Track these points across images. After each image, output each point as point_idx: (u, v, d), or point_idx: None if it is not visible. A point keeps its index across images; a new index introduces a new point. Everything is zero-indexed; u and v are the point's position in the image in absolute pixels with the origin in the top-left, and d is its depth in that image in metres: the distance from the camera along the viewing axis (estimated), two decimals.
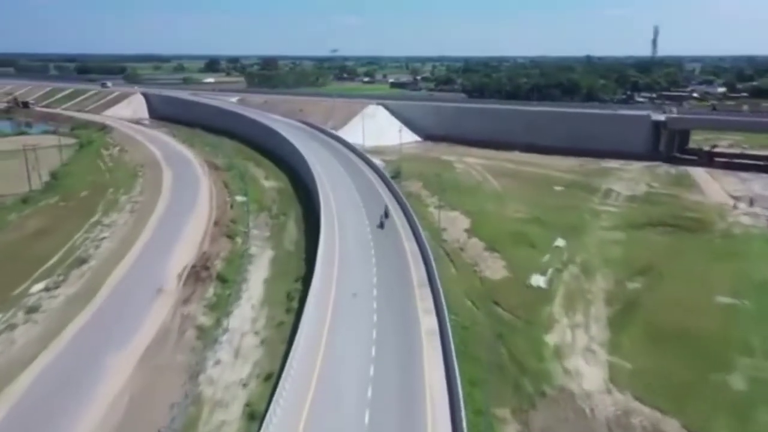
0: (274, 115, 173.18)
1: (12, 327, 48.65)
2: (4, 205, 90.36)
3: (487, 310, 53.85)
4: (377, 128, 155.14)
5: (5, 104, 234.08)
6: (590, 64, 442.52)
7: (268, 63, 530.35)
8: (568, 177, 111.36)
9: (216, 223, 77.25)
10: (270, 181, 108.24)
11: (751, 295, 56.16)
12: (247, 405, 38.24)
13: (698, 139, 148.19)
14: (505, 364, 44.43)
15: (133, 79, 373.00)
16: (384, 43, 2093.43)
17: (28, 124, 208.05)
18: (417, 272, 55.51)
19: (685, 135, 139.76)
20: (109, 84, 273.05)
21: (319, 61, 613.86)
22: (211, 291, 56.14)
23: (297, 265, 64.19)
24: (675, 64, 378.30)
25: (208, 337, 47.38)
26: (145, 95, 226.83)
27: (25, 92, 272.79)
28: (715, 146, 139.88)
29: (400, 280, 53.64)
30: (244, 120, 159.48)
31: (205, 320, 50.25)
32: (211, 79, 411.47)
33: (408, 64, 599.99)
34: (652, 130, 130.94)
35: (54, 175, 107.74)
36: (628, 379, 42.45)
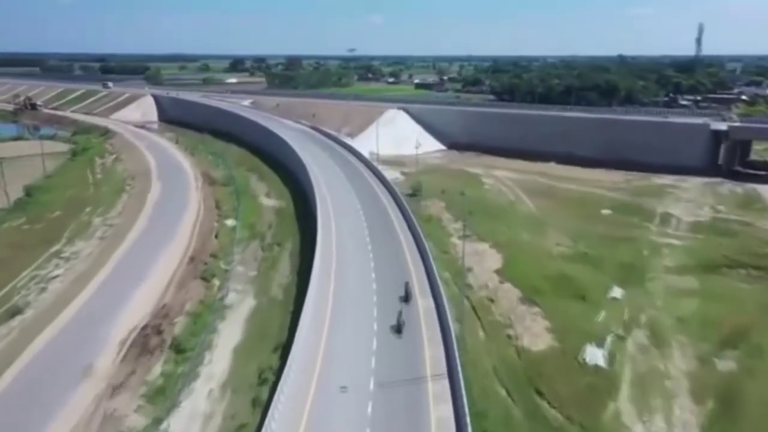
0: (286, 120, 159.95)
1: None
2: None
3: (526, 406, 39.18)
4: (397, 135, 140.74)
5: (13, 106, 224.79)
6: (624, 64, 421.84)
7: (292, 63, 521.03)
8: (614, 196, 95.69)
9: (191, 260, 63.68)
10: (271, 199, 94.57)
11: None
12: None
13: (758, 149, 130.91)
14: None
15: (153, 79, 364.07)
16: (410, 43, 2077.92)
17: (36, 128, 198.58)
18: (432, 351, 41.03)
19: (746, 146, 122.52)
20: (110, 84, 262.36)
21: (345, 60, 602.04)
22: (158, 369, 42.41)
23: (280, 322, 50.27)
24: (716, 63, 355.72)
25: None
26: (155, 97, 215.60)
27: (38, 93, 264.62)
28: None
29: (408, 367, 39.20)
30: (251, 125, 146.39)
31: (136, 421, 36.49)
32: (233, 80, 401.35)
33: (435, 64, 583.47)
34: (711, 141, 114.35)
35: (29, 191, 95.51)
36: None
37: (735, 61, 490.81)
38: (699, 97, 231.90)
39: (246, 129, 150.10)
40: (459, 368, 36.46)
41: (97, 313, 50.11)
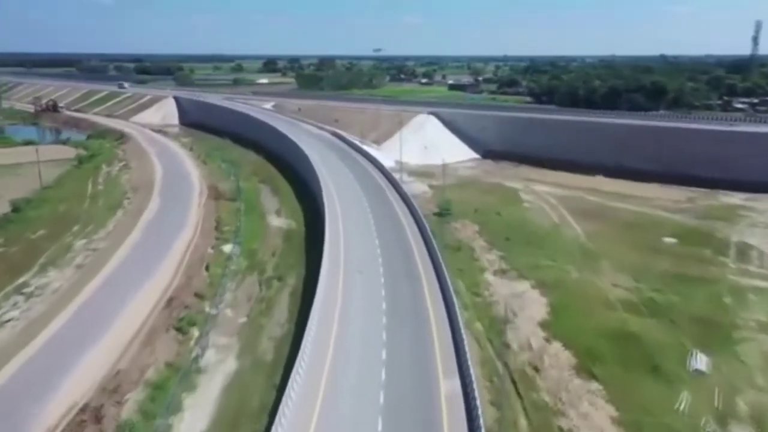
0: (306, 124, 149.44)
1: None
2: None
3: None
4: (427, 143, 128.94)
5: (34, 107, 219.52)
6: (668, 63, 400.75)
7: (324, 63, 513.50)
8: (677, 220, 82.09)
9: (170, 302, 52.77)
10: (281, 218, 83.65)
11: None
12: None
13: None
14: None
15: (183, 79, 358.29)
16: (445, 43, 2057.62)
17: (57, 131, 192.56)
18: None
19: None
20: (126, 85, 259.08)
21: (380, 61, 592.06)
22: None
23: (262, 399, 39.03)
24: None
25: None
26: (176, 99, 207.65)
27: (64, 94, 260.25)
28: None
29: None
30: (270, 131, 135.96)
31: None
32: (264, 80, 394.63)
33: (469, 64, 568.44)
34: None
35: (16, 206, 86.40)
36: None
37: None
38: (756, 100, 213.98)
39: (265, 134, 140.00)
40: None
41: (32, 383, 39.43)
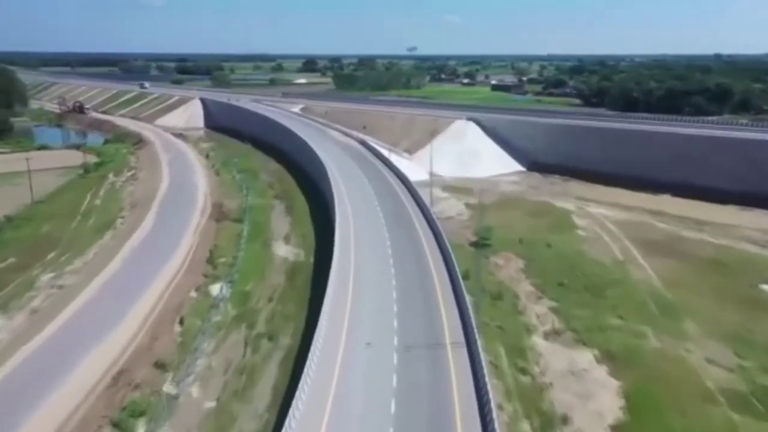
0: (333, 131, 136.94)
1: None
2: None
3: None
4: (465, 153, 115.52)
5: (59, 109, 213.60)
6: (725, 63, 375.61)
7: (364, 63, 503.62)
8: None
9: (116, 378, 40.47)
10: (288, 246, 71.12)
11: None
12: None
13: None
14: None
15: (219, 80, 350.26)
16: (488, 42, 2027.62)
17: (83, 133, 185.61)
18: None
19: None
20: (147, 85, 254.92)
21: (420, 60, 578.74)
22: None
23: None
24: None
25: None
26: (203, 101, 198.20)
27: (94, 94, 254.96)
28: None
29: None
30: (292, 138, 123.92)
31: None
32: (302, 80, 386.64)
33: (513, 63, 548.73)
34: None
35: None
36: None
37: None
38: None
39: (286, 141, 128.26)
40: None
41: None
